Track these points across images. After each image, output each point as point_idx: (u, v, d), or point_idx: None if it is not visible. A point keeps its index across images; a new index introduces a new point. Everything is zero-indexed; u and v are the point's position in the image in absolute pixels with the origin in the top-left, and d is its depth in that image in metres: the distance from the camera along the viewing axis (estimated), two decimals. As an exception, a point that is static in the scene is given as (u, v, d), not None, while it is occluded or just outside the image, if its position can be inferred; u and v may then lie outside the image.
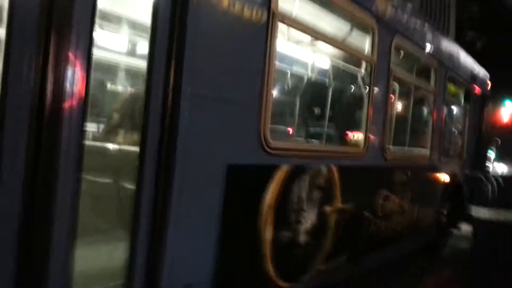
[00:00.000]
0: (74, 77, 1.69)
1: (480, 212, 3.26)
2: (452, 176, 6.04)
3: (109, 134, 2.73)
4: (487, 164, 8.13)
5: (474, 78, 6.75)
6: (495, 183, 3.13)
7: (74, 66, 1.70)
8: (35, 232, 1.64)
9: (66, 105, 1.68)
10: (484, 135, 7.61)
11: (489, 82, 7.73)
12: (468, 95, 6.75)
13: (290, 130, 5.29)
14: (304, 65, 4.73)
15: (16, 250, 1.59)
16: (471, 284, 3.46)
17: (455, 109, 6.99)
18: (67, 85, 1.67)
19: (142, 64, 2.10)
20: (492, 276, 3.19)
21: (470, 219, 3.48)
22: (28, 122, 1.58)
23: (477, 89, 6.98)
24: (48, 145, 1.63)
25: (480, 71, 7.20)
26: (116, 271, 2.13)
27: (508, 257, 3.09)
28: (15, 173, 1.56)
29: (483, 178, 3.22)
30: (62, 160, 1.67)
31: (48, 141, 1.63)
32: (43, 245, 1.66)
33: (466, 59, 6.47)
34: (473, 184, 3.38)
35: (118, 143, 2.63)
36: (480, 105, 7.30)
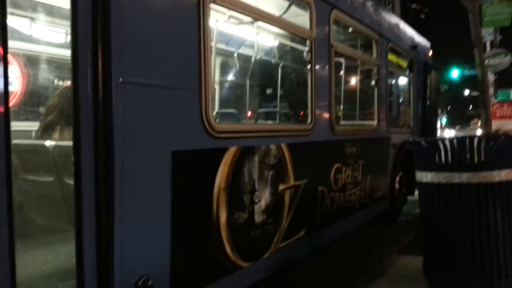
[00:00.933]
0: None
1: (426, 176, 3.38)
2: (401, 145, 6.25)
3: (45, 131, 2.60)
4: (435, 131, 8.48)
5: (416, 47, 6.96)
6: (441, 147, 3.24)
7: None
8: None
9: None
10: (430, 103, 7.91)
11: (431, 51, 8.01)
12: (412, 65, 6.97)
13: (249, 113, 5.31)
14: (249, 45, 4.72)
15: None
16: (422, 244, 3.62)
17: (400, 79, 7.22)
18: None
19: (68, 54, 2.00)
20: (437, 233, 3.34)
21: (416, 184, 3.61)
22: None
23: (420, 59, 7.22)
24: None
25: (421, 40, 7.44)
26: (65, 271, 2.07)
27: (449, 214, 3.22)
28: None
29: (426, 143, 3.33)
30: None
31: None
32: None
33: (406, 30, 6.66)
34: (418, 150, 3.50)
35: (55, 140, 2.52)
36: (424, 74, 7.56)
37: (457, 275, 3.25)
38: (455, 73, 18.35)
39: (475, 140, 3.23)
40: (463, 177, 3.18)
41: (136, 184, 2.16)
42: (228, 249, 2.81)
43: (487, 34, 14.53)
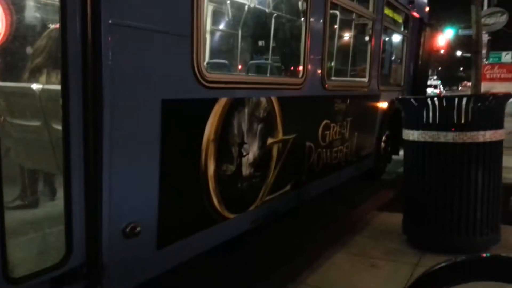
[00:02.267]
0: None
1: (412, 134, 3.41)
2: (390, 104, 6.26)
3: (31, 74, 2.51)
4: (425, 91, 8.47)
5: (412, 2, 6.79)
6: (429, 106, 3.25)
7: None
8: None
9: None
10: (422, 62, 7.83)
11: (427, 7, 7.84)
12: (407, 21, 6.83)
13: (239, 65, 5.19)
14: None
15: None
16: (403, 201, 3.71)
17: (394, 36, 7.09)
18: None
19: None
20: (418, 191, 3.42)
21: (403, 142, 3.65)
22: None
23: (416, 15, 7.07)
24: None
25: None
26: (52, 217, 2.07)
27: (432, 173, 3.29)
28: None
29: (415, 101, 3.32)
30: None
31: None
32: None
33: (404, -16, 6.48)
34: (407, 108, 3.50)
35: (42, 83, 2.44)
36: (419, 31, 7.42)
37: (435, 232, 3.34)
38: (449, 33, 18.21)
39: (464, 100, 3.24)
40: (448, 136, 3.22)
41: (126, 131, 2.12)
42: (215, 200, 2.84)
43: None
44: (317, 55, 3.95)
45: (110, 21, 1.96)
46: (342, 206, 5.06)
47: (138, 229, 2.23)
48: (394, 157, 7.01)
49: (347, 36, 6.37)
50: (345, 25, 6.00)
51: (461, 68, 69.72)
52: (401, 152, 6.65)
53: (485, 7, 14.10)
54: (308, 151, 4.04)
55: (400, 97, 5.40)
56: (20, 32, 2.54)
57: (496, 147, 3.31)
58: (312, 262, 3.21)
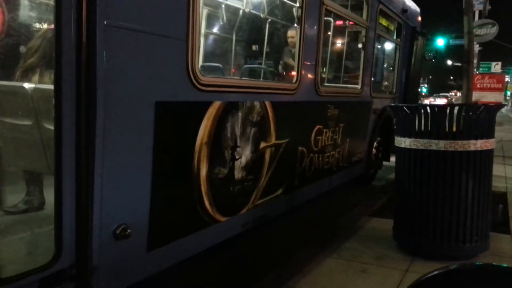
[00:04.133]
0: None
1: (404, 142, 3.44)
2: (382, 111, 6.30)
3: (24, 73, 2.49)
4: (417, 99, 8.56)
5: (405, 12, 6.87)
6: (422, 114, 3.29)
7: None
8: None
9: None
10: (413, 70, 7.91)
11: (419, 17, 7.93)
12: (400, 29, 6.90)
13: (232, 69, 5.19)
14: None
15: None
16: (394, 208, 3.74)
17: (387, 44, 7.16)
18: None
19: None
20: (409, 197, 3.45)
21: (395, 149, 3.68)
22: None
23: (408, 24, 7.15)
24: None
25: (412, 5, 7.35)
26: (43, 217, 2.05)
27: (423, 180, 3.34)
28: None
29: (408, 109, 3.36)
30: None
31: None
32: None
33: (397, -7, 6.54)
34: (400, 116, 3.53)
35: (34, 83, 2.42)
36: (411, 40, 7.50)
37: (425, 239, 3.39)
38: (440, 42, 18.44)
39: (455, 109, 3.29)
40: (440, 144, 3.25)
41: (118, 132, 2.11)
42: (206, 202, 2.83)
43: (477, 3, 14.61)
44: (311, 61, 3.97)
45: (105, 22, 1.96)
46: (333, 211, 5.07)
47: (129, 231, 2.22)
48: (384, 163, 7.05)
49: (340, 43, 6.42)
50: (339, 32, 6.04)
51: (452, 77, 70.62)
52: (392, 159, 6.72)
53: (476, 18, 14.39)
54: (301, 156, 4.05)
55: (392, 104, 5.45)
56: (14, 31, 2.52)
57: (486, 156, 3.34)
58: (303, 267, 3.22)
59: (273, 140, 3.52)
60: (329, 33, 5.19)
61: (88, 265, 2.05)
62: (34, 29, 2.56)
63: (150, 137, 2.30)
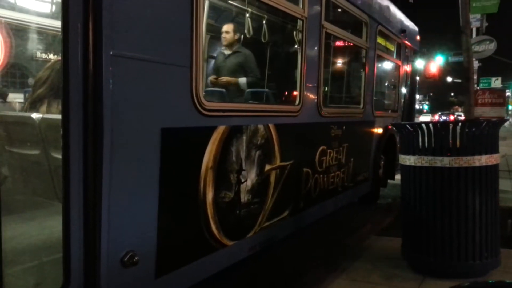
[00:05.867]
0: None
1: (409, 159, 3.45)
2: (385, 130, 6.33)
3: (32, 104, 2.54)
4: (413, 116, 8.61)
5: (404, 32, 6.97)
6: (425, 131, 3.31)
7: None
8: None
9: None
10: (412, 88, 7.99)
11: (418, 36, 8.04)
12: (399, 49, 6.99)
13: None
14: (239, 23, 4.65)
15: None
16: (402, 226, 3.72)
17: (386, 63, 7.24)
18: None
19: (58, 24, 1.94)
20: (417, 215, 3.43)
21: (399, 167, 3.69)
22: None
23: (408, 43, 7.24)
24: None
25: (410, 25, 7.45)
26: (51, 245, 2.05)
27: (430, 197, 3.33)
28: None
29: (411, 127, 3.38)
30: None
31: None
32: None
33: (396, 13, 6.64)
34: (403, 133, 3.55)
35: (42, 113, 2.46)
36: (410, 59, 7.60)
37: (435, 257, 3.33)
38: (439, 60, 18.60)
39: (458, 126, 3.30)
40: (445, 161, 3.25)
41: (125, 160, 2.13)
42: (213, 227, 2.83)
43: (474, 21, 14.80)
44: (313, 82, 4.02)
45: (111, 53, 2.00)
46: (341, 231, 5.04)
47: (137, 258, 2.21)
48: (389, 181, 7.04)
49: (341, 63, 6.50)
50: (339, 53, 6.12)
51: (452, 94, 70.78)
52: (397, 177, 6.71)
53: (474, 35, 14.54)
54: (306, 177, 4.05)
55: (395, 122, 5.47)
56: (18, 61, 2.58)
57: (492, 171, 3.33)
58: None
59: (278, 162, 3.53)
60: (330, 55, 5.26)
61: (96, 294, 2.05)
62: (40, 59, 2.62)
63: (157, 164, 2.32)
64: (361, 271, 3.53)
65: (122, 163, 2.11)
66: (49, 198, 2.34)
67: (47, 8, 2.86)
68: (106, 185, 2.02)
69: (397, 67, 7.11)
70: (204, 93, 2.68)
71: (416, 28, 7.89)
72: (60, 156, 1.99)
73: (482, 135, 3.28)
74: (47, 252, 2.12)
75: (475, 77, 13.38)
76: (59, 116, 1.98)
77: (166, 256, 2.45)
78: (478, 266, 3.30)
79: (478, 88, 14.15)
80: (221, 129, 2.81)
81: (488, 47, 12.30)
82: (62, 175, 1.92)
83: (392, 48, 6.86)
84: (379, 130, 6.16)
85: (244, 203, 3.14)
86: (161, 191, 2.36)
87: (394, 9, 6.53)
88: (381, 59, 6.28)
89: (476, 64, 15.06)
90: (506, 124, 18.45)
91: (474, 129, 3.28)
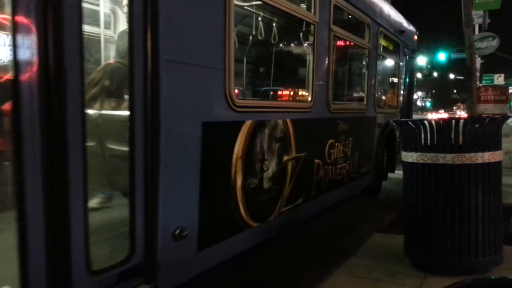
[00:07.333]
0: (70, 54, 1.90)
1: (411, 156, 3.47)
2: (386, 125, 6.74)
3: (102, 102, 2.93)
4: (411, 113, 9.00)
5: (403, 32, 7.38)
6: (427, 128, 3.33)
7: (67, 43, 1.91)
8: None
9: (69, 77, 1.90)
10: (410, 85, 8.42)
11: (416, 36, 8.45)
12: (398, 49, 7.40)
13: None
14: (259, 31, 5.04)
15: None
16: (404, 223, 3.69)
17: (387, 62, 7.66)
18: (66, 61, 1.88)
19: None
20: (419, 212, 3.44)
21: (401, 163, 3.82)
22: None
23: (407, 43, 7.66)
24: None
25: (408, 26, 7.86)
26: (121, 221, 2.43)
27: (433, 194, 3.34)
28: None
29: (413, 124, 3.46)
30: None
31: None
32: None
33: (395, 15, 7.05)
34: (405, 130, 3.79)
35: (97, 109, 2.84)
36: (408, 58, 8.02)
37: (437, 254, 3.34)
38: (441, 56, 18.53)
39: (461, 122, 3.30)
40: (447, 158, 3.25)
41: (176, 150, 2.52)
42: (242, 209, 3.21)
43: (476, 17, 14.41)
44: (323, 81, 4.41)
45: (166, 58, 2.38)
46: (343, 228, 5.05)
47: (185, 232, 2.60)
48: (390, 176, 7.43)
49: (347, 63, 6.91)
50: (345, 53, 6.53)
51: (455, 91, 70.34)
52: (397, 171, 7.09)
53: (476, 31, 14.25)
54: (317, 168, 4.45)
55: (396, 119, 5.85)
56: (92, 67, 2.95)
57: (495, 168, 3.33)
58: (314, 286, 3.22)
59: (293, 153, 3.92)
60: (337, 55, 5.66)
61: (154, 262, 2.43)
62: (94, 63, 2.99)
63: (198, 153, 2.71)
64: (363, 268, 3.54)
65: (173, 154, 2.50)
66: (118, 186, 2.70)
67: (110, 20, 3.25)
68: (162, 170, 2.41)
69: (396, 66, 7.52)
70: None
71: (414, 29, 8.30)
72: (116, 147, 2.37)
73: (485, 132, 3.26)
74: (118, 226, 2.49)
75: (477, 74, 13.18)
76: (114, 112, 2.35)
77: (205, 233, 2.84)
78: (481, 263, 3.29)
79: (481, 85, 14.02)
80: (248, 123, 3.19)
81: (491, 43, 12.18)
82: (129, 163, 2.29)
83: (392, 47, 7.26)
84: (380, 126, 6.56)
85: (266, 189, 3.53)
86: (202, 176, 2.75)
87: (393, 11, 6.94)
88: (382, 58, 6.69)
89: (478, 61, 14.79)
90: (509, 121, 18.40)
91: (477, 126, 3.27)
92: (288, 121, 3.78)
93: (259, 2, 4.03)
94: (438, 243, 3.34)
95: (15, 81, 1.74)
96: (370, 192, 6.76)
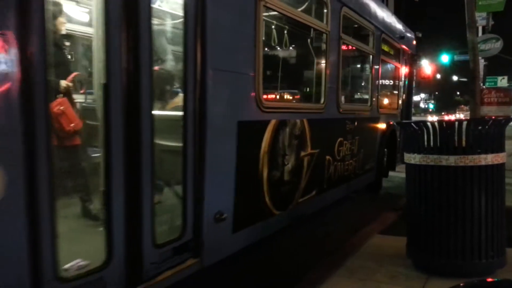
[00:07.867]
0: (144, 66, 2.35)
1: (414, 158, 3.47)
2: (388, 126, 7.20)
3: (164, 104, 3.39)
4: (411, 114, 9.46)
5: (403, 38, 7.84)
6: (430, 130, 3.36)
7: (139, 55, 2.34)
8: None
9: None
10: (410, 88, 8.90)
11: (415, 41, 8.93)
12: (399, 53, 7.87)
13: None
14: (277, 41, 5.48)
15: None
16: (407, 225, 3.66)
17: (388, 66, 8.13)
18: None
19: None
20: (422, 214, 3.43)
21: (404, 164, 3.74)
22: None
23: (406, 48, 8.13)
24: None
25: (408, 32, 8.34)
26: (177, 205, 2.86)
27: (436, 196, 3.37)
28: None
29: (416, 125, 3.48)
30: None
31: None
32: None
33: (396, 22, 7.53)
34: (407, 132, 3.68)
35: (166, 110, 3.30)
36: (408, 62, 8.50)
37: (440, 256, 3.30)
38: (445, 58, 18.45)
39: (464, 124, 3.29)
40: (450, 160, 3.22)
41: (218, 144, 2.96)
42: (267, 198, 3.65)
43: (480, 19, 14.28)
44: (334, 84, 4.86)
45: (212, 66, 2.82)
46: (345, 229, 5.04)
47: (224, 215, 3.03)
48: (392, 175, 7.88)
49: (353, 67, 7.38)
50: (351, 59, 7.01)
51: (458, 93, 69.80)
52: (398, 169, 7.53)
53: (480, 33, 14.00)
54: (328, 163, 4.89)
55: (398, 121, 6.29)
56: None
57: (498, 170, 3.30)
58: (316, 286, 3.22)
59: (309, 150, 4.36)
60: (345, 60, 6.11)
61: (200, 240, 2.86)
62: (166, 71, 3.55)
63: (234, 147, 3.14)
64: (365, 270, 3.51)
65: (216, 149, 2.93)
66: (173, 178, 3.11)
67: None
68: (208, 163, 2.84)
69: (397, 69, 7.99)
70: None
71: (413, 34, 8.78)
72: (170, 143, 2.81)
73: (488, 134, 3.24)
74: (175, 208, 2.91)
75: (481, 75, 12.98)
76: (176, 113, 2.79)
77: (239, 217, 3.27)
78: (484, 266, 3.25)
79: (484, 87, 13.81)
80: (273, 122, 3.63)
81: (494, 45, 12.08)
82: (182, 158, 2.72)
83: (393, 52, 7.73)
84: (383, 125, 7.02)
85: (286, 181, 3.96)
86: (237, 168, 3.18)
87: (394, 18, 7.41)
88: (384, 62, 7.15)
89: (482, 62, 14.14)
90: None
91: (480, 127, 3.25)
92: (305, 120, 4.22)
93: (281, 16, 4.46)
94: (441, 245, 3.31)
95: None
96: (371, 188, 7.20)
